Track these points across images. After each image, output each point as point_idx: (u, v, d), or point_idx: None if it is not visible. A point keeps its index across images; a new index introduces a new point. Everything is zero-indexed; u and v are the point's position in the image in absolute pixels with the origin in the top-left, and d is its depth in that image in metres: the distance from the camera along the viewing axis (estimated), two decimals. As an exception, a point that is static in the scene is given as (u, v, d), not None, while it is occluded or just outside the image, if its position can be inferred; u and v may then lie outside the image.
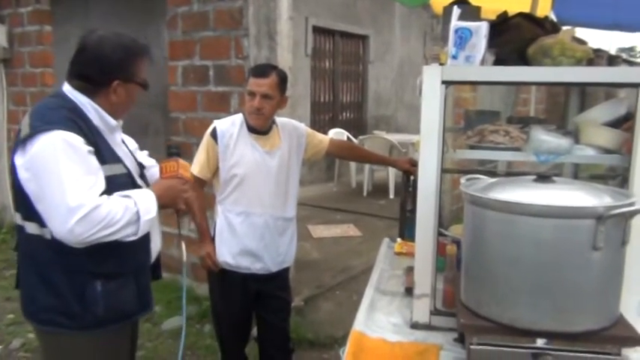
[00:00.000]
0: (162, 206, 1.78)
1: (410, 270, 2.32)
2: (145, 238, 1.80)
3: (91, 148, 1.66)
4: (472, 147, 1.85)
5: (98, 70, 1.73)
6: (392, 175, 7.53)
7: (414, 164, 2.75)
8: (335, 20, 8.81)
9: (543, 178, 1.47)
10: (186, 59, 4.05)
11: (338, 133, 8.42)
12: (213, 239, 2.62)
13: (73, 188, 1.56)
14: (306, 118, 8.34)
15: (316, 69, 8.75)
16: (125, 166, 1.80)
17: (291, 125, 2.69)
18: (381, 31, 9.86)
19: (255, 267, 2.57)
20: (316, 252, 5.27)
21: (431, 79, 1.71)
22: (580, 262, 1.35)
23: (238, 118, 2.58)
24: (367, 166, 7.79)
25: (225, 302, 2.65)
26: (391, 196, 7.56)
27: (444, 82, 1.70)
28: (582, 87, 2.49)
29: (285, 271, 2.71)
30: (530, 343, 1.40)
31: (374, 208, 7.04)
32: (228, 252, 2.58)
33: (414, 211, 2.83)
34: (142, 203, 1.68)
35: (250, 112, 2.48)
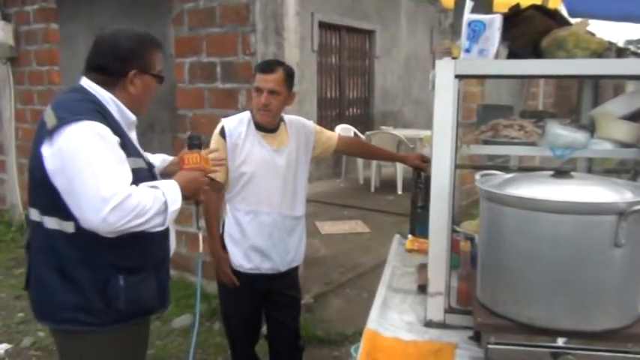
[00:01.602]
0: (184, 197, 1.76)
1: (422, 267, 2.29)
2: (165, 233, 1.80)
3: (118, 139, 1.66)
4: (486, 142, 1.82)
5: (114, 59, 1.74)
6: (400, 170, 7.50)
7: (424, 160, 2.72)
8: (341, 15, 8.76)
9: (561, 173, 1.44)
10: (193, 56, 4.03)
11: (345, 129, 8.39)
12: (222, 239, 2.59)
13: (105, 178, 1.56)
14: (313, 114, 8.32)
15: (322, 65, 8.71)
16: (145, 161, 1.82)
17: (300, 123, 2.66)
18: (387, 26, 9.81)
19: (264, 266, 2.55)
20: (325, 248, 5.25)
21: (444, 73, 1.68)
22: (600, 259, 1.32)
23: (246, 115, 2.55)
24: (374, 162, 7.75)
25: (234, 302, 2.64)
26: (399, 191, 7.53)
27: (457, 76, 1.67)
28: (596, 80, 2.45)
29: (295, 269, 2.69)
30: (549, 342, 1.37)
31: (382, 204, 7.01)
32: (239, 253, 2.56)
33: (425, 207, 2.82)
34: (169, 193, 1.67)
35: (257, 108, 2.46)
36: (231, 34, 3.79)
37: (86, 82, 1.77)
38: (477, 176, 1.62)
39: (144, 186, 1.65)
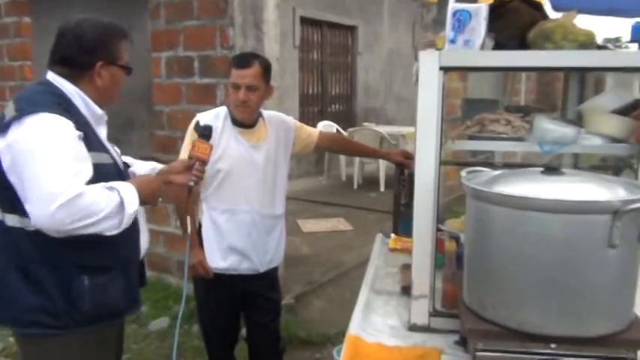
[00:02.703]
0: (141, 202, 1.67)
1: (406, 268, 2.22)
2: (135, 232, 1.74)
3: (80, 133, 1.58)
4: (472, 137, 1.74)
5: (80, 51, 1.66)
6: (382, 167, 7.43)
7: (407, 156, 2.65)
8: (322, 11, 8.66)
9: (551, 170, 1.37)
10: (170, 50, 3.91)
11: (327, 126, 8.30)
12: (200, 240, 2.49)
13: (58, 173, 1.48)
14: (295, 110, 8.21)
15: (304, 61, 8.60)
16: (112, 157, 1.73)
17: (279, 118, 2.57)
18: (369, 22, 9.73)
19: (242, 267, 2.46)
20: (306, 247, 5.16)
21: (428, 65, 1.60)
22: (594, 261, 1.25)
23: (222, 110, 2.45)
24: (357, 159, 7.68)
25: (211, 305, 2.54)
26: (382, 189, 7.46)
27: (442, 69, 1.59)
28: (582, 74, 2.39)
29: (274, 270, 2.60)
30: (540, 349, 1.30)
31: (365, 201, 6.94)
32: (216, 254, 2.46)
33: (408, 205, 2.74)
34: (127, 195, 1.59)
35: (236, 105, 2.36)
36: (209, 28, 3.67)
37: (51, 76, 1.70)
38: (463, 173, 1.54)
39: (100, 186, 1.56)
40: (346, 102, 9.69)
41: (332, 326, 3.76)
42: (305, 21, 8.38)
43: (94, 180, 1.57)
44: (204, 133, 1.95)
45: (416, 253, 1.74)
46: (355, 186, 7.77)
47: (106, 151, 1.72)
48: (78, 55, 1.66)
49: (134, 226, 1.71)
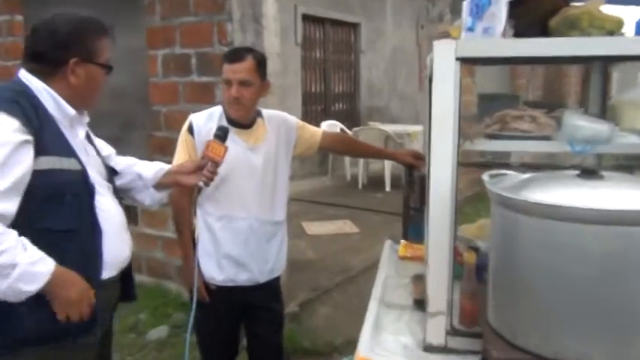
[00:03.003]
0: (50, 292, 1.44)
1: (418, 278, 2.05)
2: (92, 244, 1.56)
3: (27, 137, 1.42)
4: (492, 136, 1.56)
5: (51, 46, 1.54)
6: (388, 167, 7.25)
7: (417, 157, 2.47)
8: (325, 8, 8.49)
9: (589, 172, 1.19)
10: (166, 47, 3.74)
11: (331, 125, 8.13)
12: (194, 248, 2.32)
13: None
14: (297, 109, 8.04)
15: (307, 58, 8.44)
16: (80, 163, 1.56)
17: (280, 117, 2.40)
18: (372, 19, 9.55)
19: (241, 278, 2.28)
20: (311, 251, 4.99)
21: (443, 56, 1.42)
22: (643, 279, 1.07)
23: (217, 110, 2.29)
24: (362, 159, 7.50)
25: (209, 317, 2.37)
26: (387, 189, 7.29)
27: (459, 59, 1.42)
28: (605, 65, 2.21)
29: (276, 280, 2.42)
30: (580, 381, 1.12)
31: (370, 202, 6.76)
32: (212, 264, 2.29)
33: (418, 209, 2.57)
34: (29, 265, 1.37)
35: (229, 102, 2.20)
36: (206, 23, 3.51)
37: (22, 73, 1.56)
38: (485, 177, 1.36)
39: (13, 235, 1.37)
40: (350, 100, 9.52)
41: (338, 334, 3.59)
42: (307, 18, 8.22)
43: (43, 188, 1.44)
44: (220, 134, 1.94)
45: (431, 266, 1.57)
46: (360, 186, 7.60)
47: (73, 155, 1.55)
48: (50, 51, 1.54)
49: (91, 235, 1.55)
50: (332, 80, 9.07)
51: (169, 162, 3.92)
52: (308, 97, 8.58)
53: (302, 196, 6.72)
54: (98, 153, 1.76)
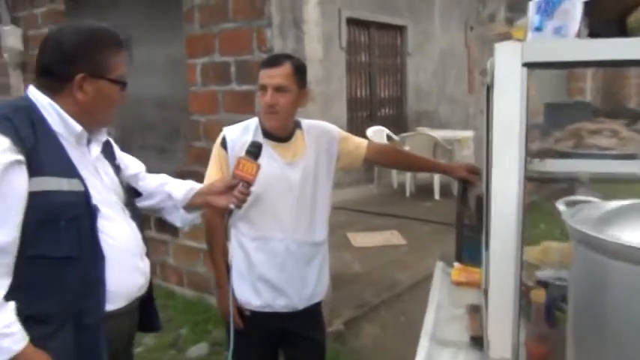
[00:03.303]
0: None
1: (475, 310, 1.82)
2: (94, 272, 1.42)
3: (18, 157, 1.30)
4: (565, 154, 1.33)
5: (58, 60, 1.43)
6: (437, 174, 6.97)
7: (472, 171, 2.24)
8: (370, 11, 8.28)
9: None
10: (205, 56, 3.63)
11: (377, 131, 7.90)
12: (228, 270, 2.16)
13: None
14: (342, 115, 7.86)
15: (352, 63, 8.25)
16: (83, 184, 1.42)
17: (320, 128, 2.21)
18: (419, 21, 9.28)
19: (278, 304, 2.11)
20: (357, 264, 4.78)
21: (507, 60, 1.21)
22: None
23: (253, 122, 2.13)
24: (410, 167, 7.25)
25: (244, 344, 2.20)
26: (437, 197, 7.01)
27: (525, 65, 1.20)
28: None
29: (316, 306, 2.22)
30: None
31: (419, 211, 6.50)
32: (247, 287, 2.13)
33: (474, 228, 2.34)
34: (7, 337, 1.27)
35: (263, 111, 2.04)
36: (246, 30, 3.37)
37: (31, 89, 1.46)
38: (561, 206, 1.14)
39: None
40: (396, 105, 9.26)
41: (386, 356, 3.39)
42: (351, 22, 8.03)
43: (38, 212, 1.31)
44: (252, 150, 1.78)
45: (492, 303, 1.35)
46: (408, 194, 7.34)
47: (75, 175, 1.42)
48: (56, 65, 1.43)
49: (92, 262, 1.42)
50: (378, 85, 8.85)
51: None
52: (353, 102, 8.38)
53: (347, 205, 6.52)
54: (118, 172, 1.63)
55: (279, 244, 2.08)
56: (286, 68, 2.00)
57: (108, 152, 1.62)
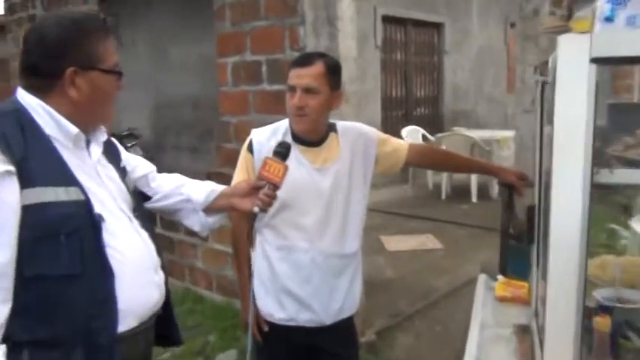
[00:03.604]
0: None
1: (523, 331, 1.66)
2: (103, 290, 1.28)
3: (7, 168, 1.17)
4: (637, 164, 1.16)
5: (43, 55, 1.28)
6: (474, 175, 6.73)
7: (521, 178, 2.07)
8: (406, 8, 8.10)
9: None
10: (236, 54, 3.53)
11: (412, 131, 7.72)
12: (250, 278, 2.05)
13: None
14: (377, 115, 7.70)
15: (387, 62, 8.07)
16: (83, 192, 1.27)
17: (356, 130, 2.06)
18: (457, 18, 9.03)
19: (302, 318, 1.96)
20: (390, 269, 4.62)
21: (572, 55, 1.06)
22: None
23: (283, 125, 1.99)
24: (446, 167, 7.04)
25: (266, 357, 2.08)
26: (474, 199, 6.78)
27: (594, 61, 1.04)
28: None
29: (347, 321, 2.06)
30: None
31: (455, 214, 6.29)
32: (270, 300, 2.00)
33: (520, 238, 2.17)
34: None
35: (292, 113, 1.90)
36: (278, 28, 3.26)
37: (19, 91, 1.32)
38: (636, 225, 0.97)
39: None
40: (432, 105, 9.05)
41: (421, 369, 3.23)
42: (387, 19, 7.86)
43: (33, 227, 1.19)
44: (280, 150, 1.65)
45: (550, 326, 1.19)
46: (443, 196, 7.13)
47: (73, 183, 1.27)
48: (43, 62, 1.28)
49: (100, 279, 1.28)
50: (414, 84, 8.65)
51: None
52: (388, 102, 8.21)
53: (381, 207, 6.35)
54: (124, 175, 1.48)
55: (305, 255, 1.93)
56: (317, 68, 1.86)
57: (111, 154, 1.47)
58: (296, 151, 1.85)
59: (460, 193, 7.09)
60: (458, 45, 9.13)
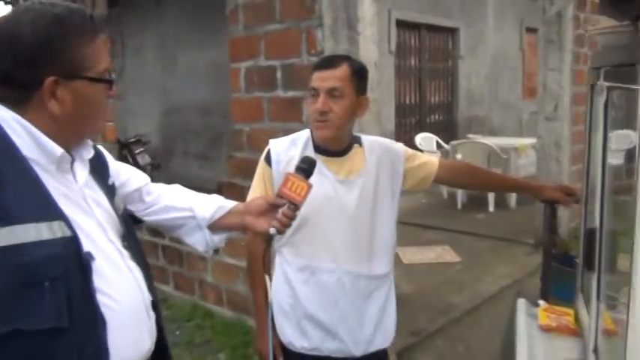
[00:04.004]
0: None
1: (579, 370, 1.47)
2: (94, 342, 1.06)
3: None
4: None
5: (16, 60, 1.04)
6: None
7: (568, 192, 1.89)
8: (421, 12, 7.93)
9: None
10: (250, 59, 3.36)
11: (426, 138, 7.54)
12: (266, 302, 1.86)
13: None
14: (390, 122, 7.53)
15: (400, 67, 7.91)
16: (70, 226, 1.04)
17: (383, 145, 1.90)
18: (471, 23, 8.85)
19: (327, 347, 1.78)
20: (407, 284, 4.42)
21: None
22: None
23: (303, 135, 1.83)
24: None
25: None
26: (490, 209, 6.58)
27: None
28: None
29: (380, 353, 1.88)
30: None
31: (472, 224, 6.09)
32: (291, 327, 1.82)
33: (565, 260, 1.99)
34: None
35: (313, 118, 1.73)
36: (294, 31, 3.09)
37: None
38: None
39: None
40: (446, 111, 8.86)
41: (444, 392, 3.04)
42: (401, 24, 7.70)
43: (9, 274, 0.95)
44: (304, 167, 1.45)
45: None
46: (459, 205, 6.92)
47: (57, 216, 1.03)
48: (17, 69, 1.04)
49: (90, 330, 1.06)
50: (427, 90, 8.47)
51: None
52: (402, 108, 8.04)
53: (395, 217, 6.17)
54: (112, 195, 1.25)
55: (330, 276, 1.76)
56: (343, 70, 1.70)
57: (98, 171, 1.24)
58: (318, 162, 1.66)
59: (476, 202, 6.88)
60: (472, 50, 8.95)
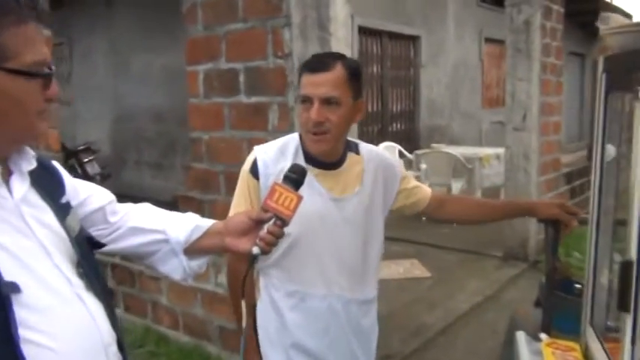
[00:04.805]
0: None
1: None
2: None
3: None
4: None
5: None
6: (455, 191, 6.39)
7: (568, 210, 1.70)
8: (383, 19, 7.77)
9: None
10: (209, 62, 3.07)
11: (389, 148, 7.37)
12: (255, 332, 1.66)
13: None
14: (353, 130, 7.26)
15: (363, 75, 7.73)
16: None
17: (384, 160, 1.73)
18: (432, 31, 8.77)
19: None
20: (378, 302, 4.20)
21: None
22: None
23: (292, 141, 1.62)
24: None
25: None
26: (455, 220, 6.44)
27: None
28: None
29: None
30: None
31: (438, 236, 5.91)
32: (276, 356, 1.64)
33: (568, 287, 1.79)
34: None
35: (307, 129, 1.53)
36: (259, 31, 2.82)
37: None
38: None
39: None
40: (408, 120, 8.73)
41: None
42: (364, 31, 7.52)
43: None
44: (293, 176, 1.27)
45: None
46: (423, 217, 6.74)
47: None
48: None
49: None
50: (390, 98, 8.31)
51: (211, 200, 3.17)
52: (364, 117, 7.85)
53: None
54: (64, 215, 1.05)
55: (322, 302, 1.58)
56: (337, 72, 1.48)
57: (46, 186, 1.05)
58: (310, 175, 1.43)
59: (441, 213, 6.74)
60: (434, 59, 8.87)
